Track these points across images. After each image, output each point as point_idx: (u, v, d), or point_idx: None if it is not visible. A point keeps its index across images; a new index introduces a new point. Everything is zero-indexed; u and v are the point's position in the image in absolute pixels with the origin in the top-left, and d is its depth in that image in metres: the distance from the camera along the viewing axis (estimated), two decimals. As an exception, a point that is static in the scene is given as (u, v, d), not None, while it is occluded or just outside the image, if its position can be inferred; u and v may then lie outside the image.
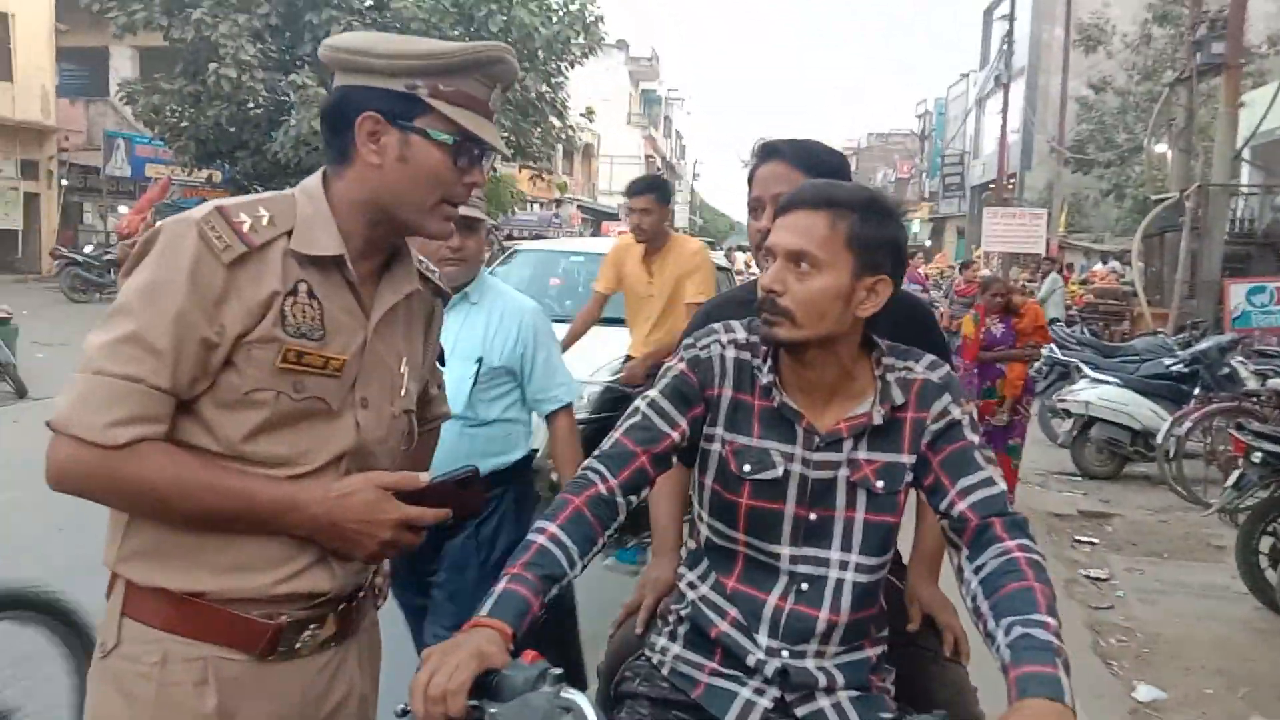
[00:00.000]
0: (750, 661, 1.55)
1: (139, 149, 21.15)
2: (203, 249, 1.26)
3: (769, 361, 1.57)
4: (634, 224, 4.51)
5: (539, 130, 16.88)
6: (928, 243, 36.87)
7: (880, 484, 1.53)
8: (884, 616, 1.65)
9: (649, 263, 4.56)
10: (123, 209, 19.60)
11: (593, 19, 16.62)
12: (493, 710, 1.15)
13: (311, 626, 1.39)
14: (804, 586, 1.55)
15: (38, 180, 20.82)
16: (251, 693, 1.34)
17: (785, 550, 1.55)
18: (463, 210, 1.52)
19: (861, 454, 1.54)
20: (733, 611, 1.58)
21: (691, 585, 1.64)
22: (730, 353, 1.59)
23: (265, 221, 1.30)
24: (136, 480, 1.25)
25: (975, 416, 1.58)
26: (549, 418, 2.67)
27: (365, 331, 1.39)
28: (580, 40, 16.96)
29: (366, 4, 15.15)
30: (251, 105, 14.68)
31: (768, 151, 1.92)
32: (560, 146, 22.52)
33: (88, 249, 18.60)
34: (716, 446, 1.58)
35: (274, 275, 1.29)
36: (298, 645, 1.37)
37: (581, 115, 18.63)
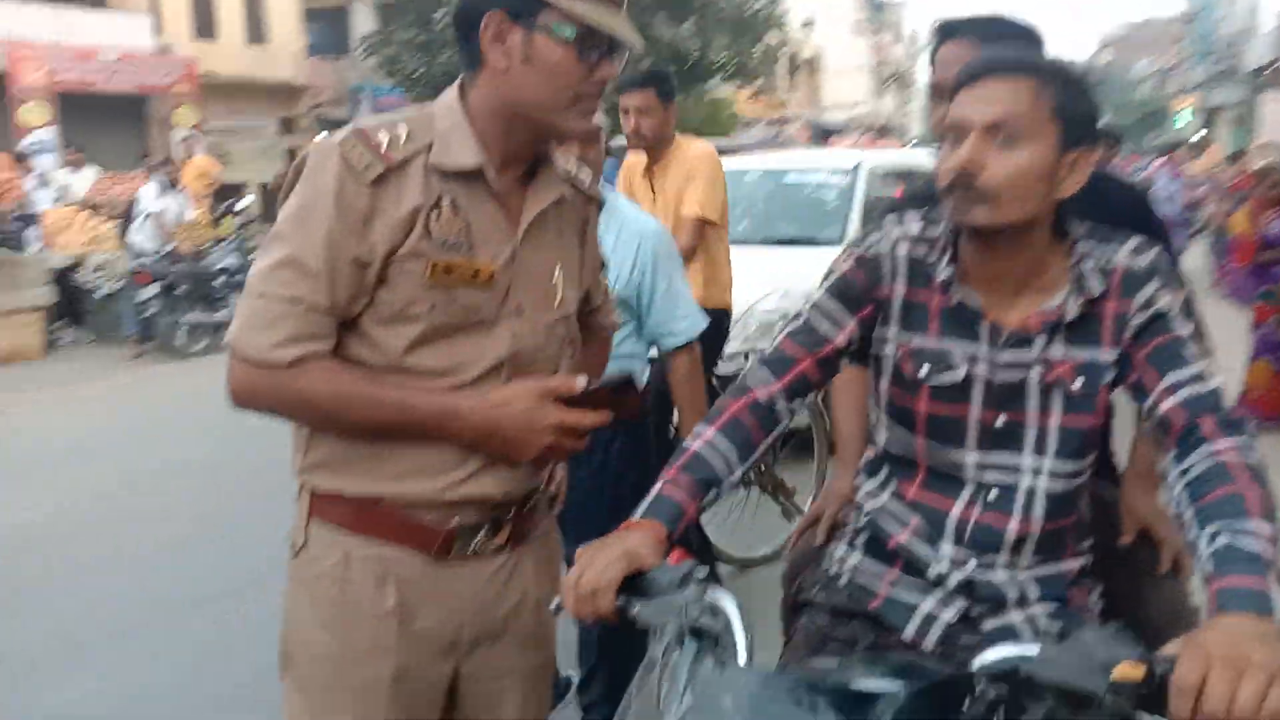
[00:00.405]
0: (932, 573, 1.46)
1: (380, 100, 22.43)
2: (345, 170, 1.29)
3: (948, 253, 1.44)
4: (630, 127, 3.72)
5: (756, 47, 16.48)
6: (1196, 136, 33.36)
7: (1078, 384, 1.39)
8: (1085, 527, 1.51)
9: (651, 175, 3.84)
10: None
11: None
12: (637, 607, 1.16)
13: (484, 531, 1.44)
14: (992, 495, 1.44)
15: (294, 135, 22.59)
16: (428, 593, 1.41)
17: (971, 457, 1.45)
18: None
19: (1056, 352, 1.40)
20: (914, 521, 1.49)
21: (870, 494, 1.57)
22: (903, 248, 1.48)
23: (403, 138, 1.32)
24: (303, 396, 1.32)
25: (1189, 303, 1.39)
26: (669, 356, 2.53)
27: (514, 241, 1.40)
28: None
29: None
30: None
31: (947, 30, 1.76)
32: (781, 63, 21.94)
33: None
34: (890, 349, 1.48)
35: (415, 191, 1.32)
36: (471, 549, 1.43)
37: (803, 26, 18.00)
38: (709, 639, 1.10)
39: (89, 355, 8.67)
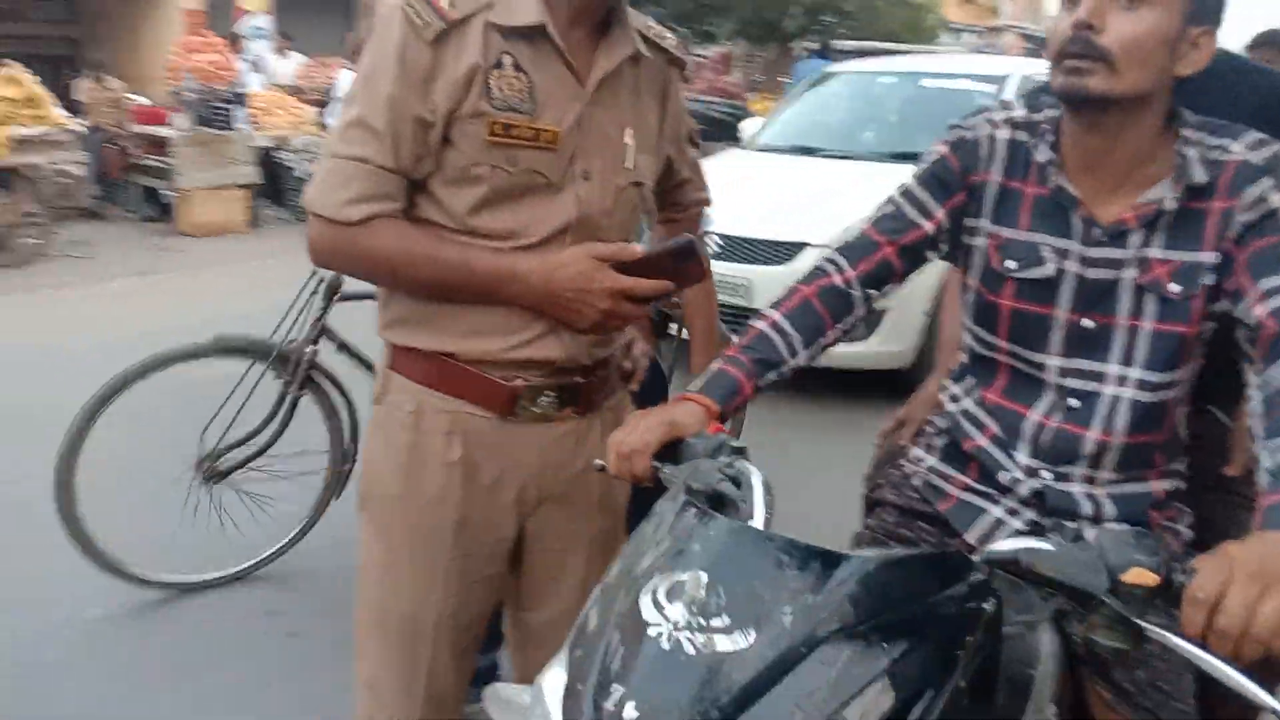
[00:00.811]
0: (1005, 479, 1.41)
1: None
2: (407, 30, 1.30)
3: (1048, 138, 1.35)
4: None
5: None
6: None
7: (1174, 287, 1.28)
8: (1179, 447, 1.41)
9: None
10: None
11: None
12: (667, 470, 1.18)
13: (548, 393, 1.47)
14: (1073, 403, 1.36)
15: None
16: (492, 448, 1.47)
17: (1053, 361, 1.37)
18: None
19: (1154, 250, 1.29)
20: (992, 426, 1.44)
21: (954, 398, 1.52)
22: (1003, 133, 1.39)
23: None
24: (371, 252, 1.36)
25: None
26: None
27: (582, 101, 1.38)
28: None
29: None
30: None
31: None
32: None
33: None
34: (980, 240, 1.41)
35: (474, 49, 1.32)
36: (535, 409, 1.46)
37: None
38: (729, 504, 1.10)
39: (289, 231, 9.24)
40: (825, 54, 14.35)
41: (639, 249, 1.39)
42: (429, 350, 1.44)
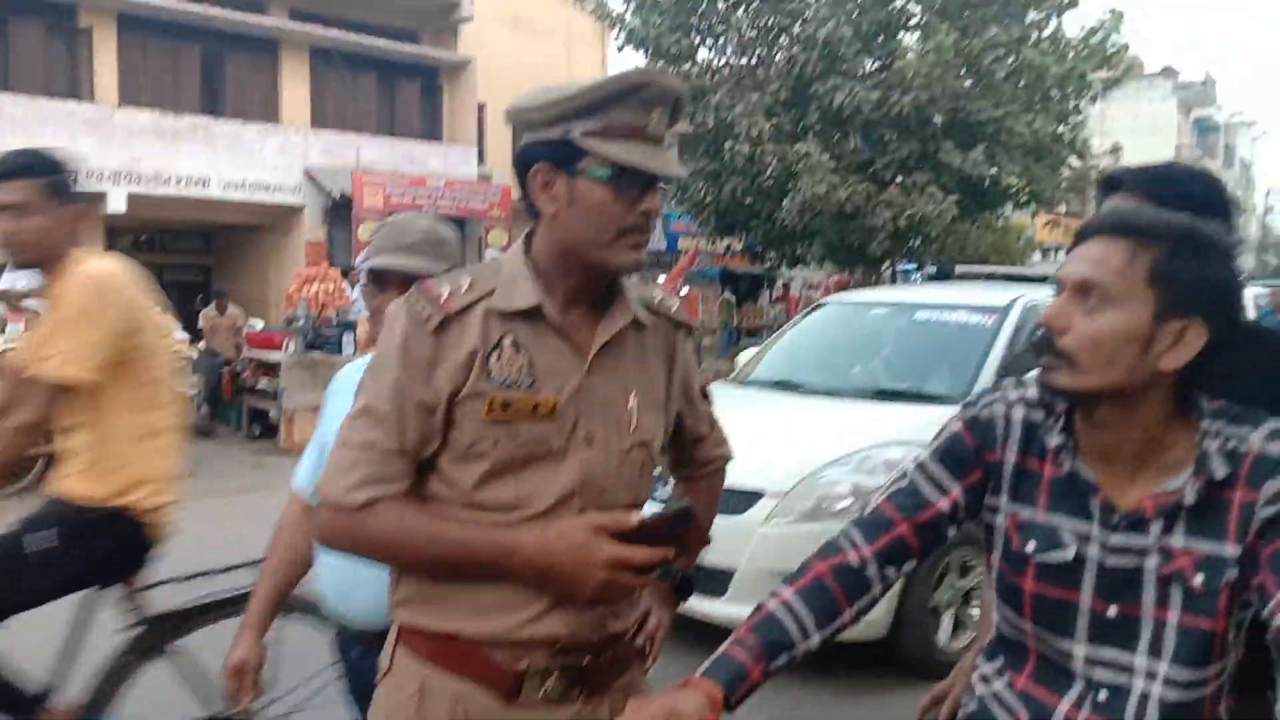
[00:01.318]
0: None
1: (673, 225, 23.58)
2: (410, 323, 1.40)
3: (1062, 420, 1.34)
4: None
5: (1054, 173, 15.83)
6: None
7: (1198, 579, 1.23)
8: (1222, 743, 1.30)
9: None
10: (660, 279, 21.97)
11: (1114, 50, 15.26)
12: None
13: (555, 676, 1.44)
14: (1101, 696, 1.29)
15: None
16: None
17: (1080, 649, 1.31)
18: None
19: (1176, 540, 1.25)
20: (1022, 714, 1.36)
21: (984, 679, 1.45)
22: (1018, 412, 1.38)
23: (464, 288, 1.42)
24: (373, 536, 1.40)
25: None
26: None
27: (580, 372, 1.44)
28: (1101, 74, 15.67)
29: (870, 67, 15.46)
30: (763, 177, 15.60)
31: (1110, 184, 1.66)
32: (1089, 188, 20.87)
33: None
34: (1000, 519, 1.38)
35: (474, 334, 1.40)
36: (540, 694, 1.43)
37: (1107, 153, 17.13)
38: None
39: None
40: (943, 275, 14.58)
41: (635, 518, 1.39)
42: (434, 630, 1.44)
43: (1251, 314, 15.35)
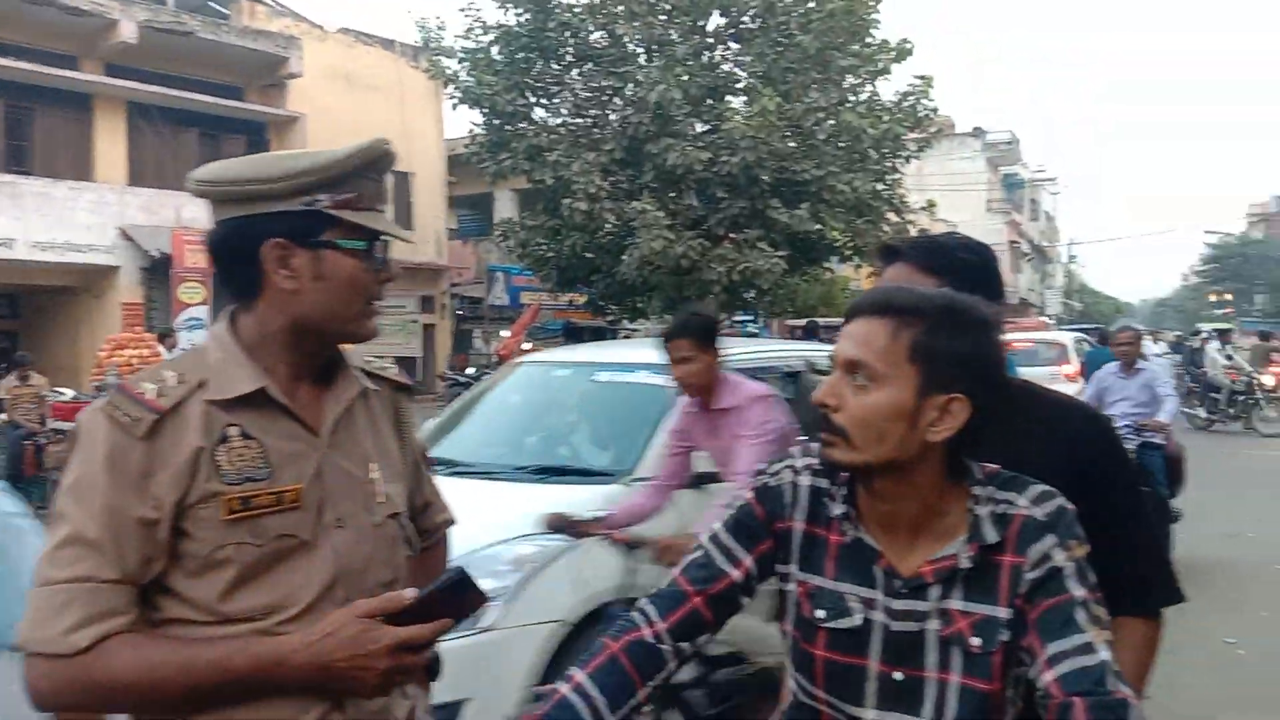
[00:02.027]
0: None
1: (514, 279, 23.61)
2: (114, 431, 1.25)
3: (844, 490, 1.38)
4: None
5: (874, 229, 16.66)
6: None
7: (976, 641, 1.28)
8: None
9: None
10: (504, 333, 21.88)
11: (925, 113, 16.29)
12: None
13: None
14: None
15: (434, 313, 23.89)
16: None
17: (870, 715, 1.34)
18: None
19: (955, 603, 1.29)
20: None
21: (779, 749, 1.46)
22: (805, 480, 1.41)
23: (173, 382, 1.30)
24: (110, 680, 1.21)
25: (1084, 563, 1.28)
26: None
27: (318, 451, 1.35)
28: (914, 135, 16.67)
29: (701, 129, 15.97)
30: (601, 233, 15.83)
31: (888, 254, 1.74)
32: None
33: (469, 371, 20.91)
34: (792, 587, 1.41)
35: (195, 431, 1.28)
36: None
37: (922, 209, 18.14)
38: None
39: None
40: (812, 334, 15.10)
41: (409, 595, 1.31)
42: None
43: (1075, 358, 16.43)
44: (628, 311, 18.02)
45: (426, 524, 1.66)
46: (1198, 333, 22.81)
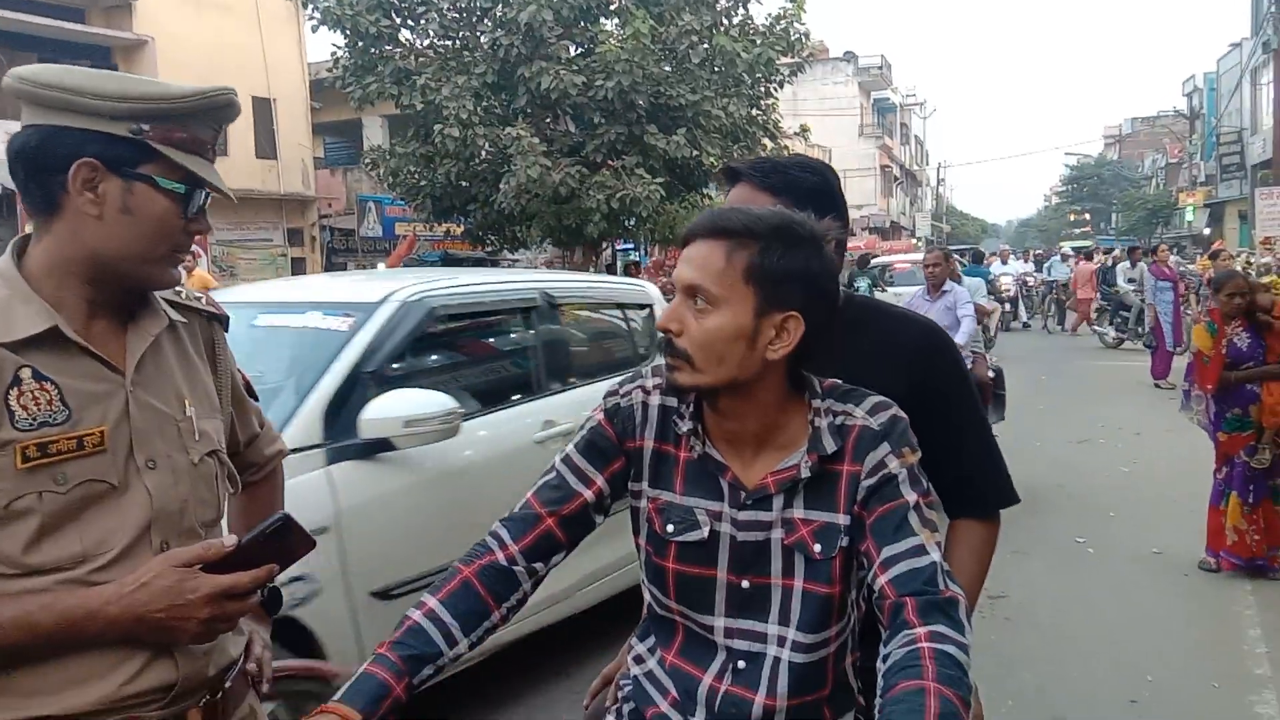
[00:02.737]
0: None
1: (388, 209, 22.93)
2: None
3: (691, 408, 1.40)
4: None
5: (751, 154, 16.76)
6: (1206, 231, 33.45)
7: (817, 547, 1.33)
8: (848, 696, 1.42)
9: None
10: (380, 266, 21.34)
11: (797, 37, 16.34)
12: None
13: None
14: (740, 664, 1.36)
15: (303, 246, 23.06)
16: None
17: (720, 622, 1.37)
18: None
19: (797, 512, 1.34)
20: (672, 690, 1.42)
21: (639, 659, 1.49)
22: (655, 399, 1.43)
23: None
24: None
25: (917, 469, 1.33)
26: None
27: (123, 389, 1.29)
28: (787, 59, 16.74)
29: (575, 52, 15.68)
30: (476, 160, 15.48)
31: (731, 175, 1.74)
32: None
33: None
34: (643, 504, 1.43)
35: None
36: None
37: (796, 134, 18.33)
38: None
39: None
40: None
41: (228, 543, 1.28)
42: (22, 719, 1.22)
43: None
44: (507, 241, 17.78)
45: (255, 457, 1.62)
46: (1102, 251, 23.49)
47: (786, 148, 17.54)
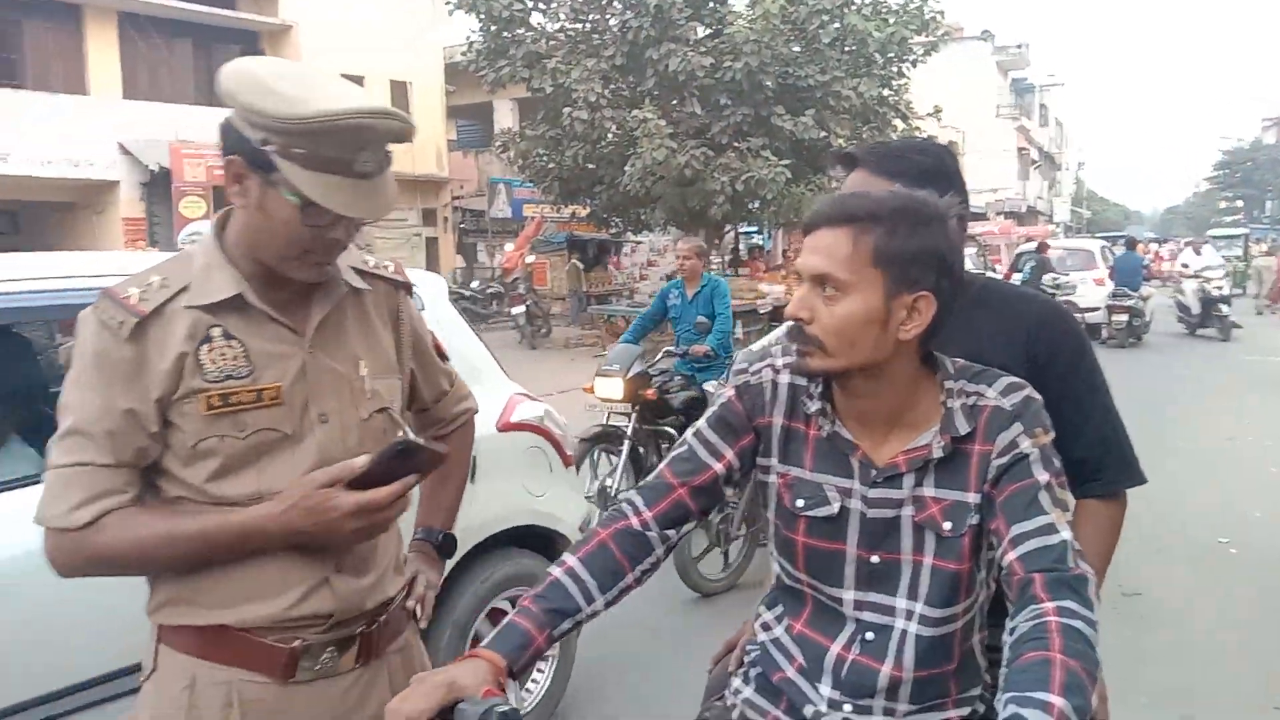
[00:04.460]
0: (808, 712, 1.42)
1: (516, 191, 23.40)
2: (102, 333, 1.34)
3: (819, 386, 1.42)
4: None
5: (881, 135, 16.43)
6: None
7: (947, 525, 1.35)
8: (974, 672, 1.43)
9: None
10: (507, 247, 21.81)
11: (932, 15, 15.93)
12: None
13: (330, 649, 1.46)
14: (869, 636, 1.39)
15: (436, 226, 23.75)
16: (274, 714, 1.43)
17: (849, 595, 1.41)
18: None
19: (928, 490, 1.36)
20: (799, 657, 1.46)
21: (765, 627, 1.53)
22: (784, 377, 1.46)
23: (156, 286, 1.37)
24: (107, 550, 1.34)
25: (1050, 449, 1.33)
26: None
27: (302, 350, 1.42)
28: (921, 38, 16.33)
29: (703, 33, 15.65)
30: (603, 143, 15.65)
31: (846, 161, 1.75)
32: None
33: (474, 285, 20.92)
34: (773, 478, 1.47)
35: (179, 332, 1.36)
36: (317, 667, 1.45)
37: (929, 114, 17.88)
38: None
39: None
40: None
41: (359, 464, 1.38)
42: (200, 626, 1.42)
43: (1102, 263, 16.24)
44: (631, 223, 17.92)
45: (443, 413, 1.76)
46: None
47: (919, 128, 17.13)
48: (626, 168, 14.98)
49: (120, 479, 1.35)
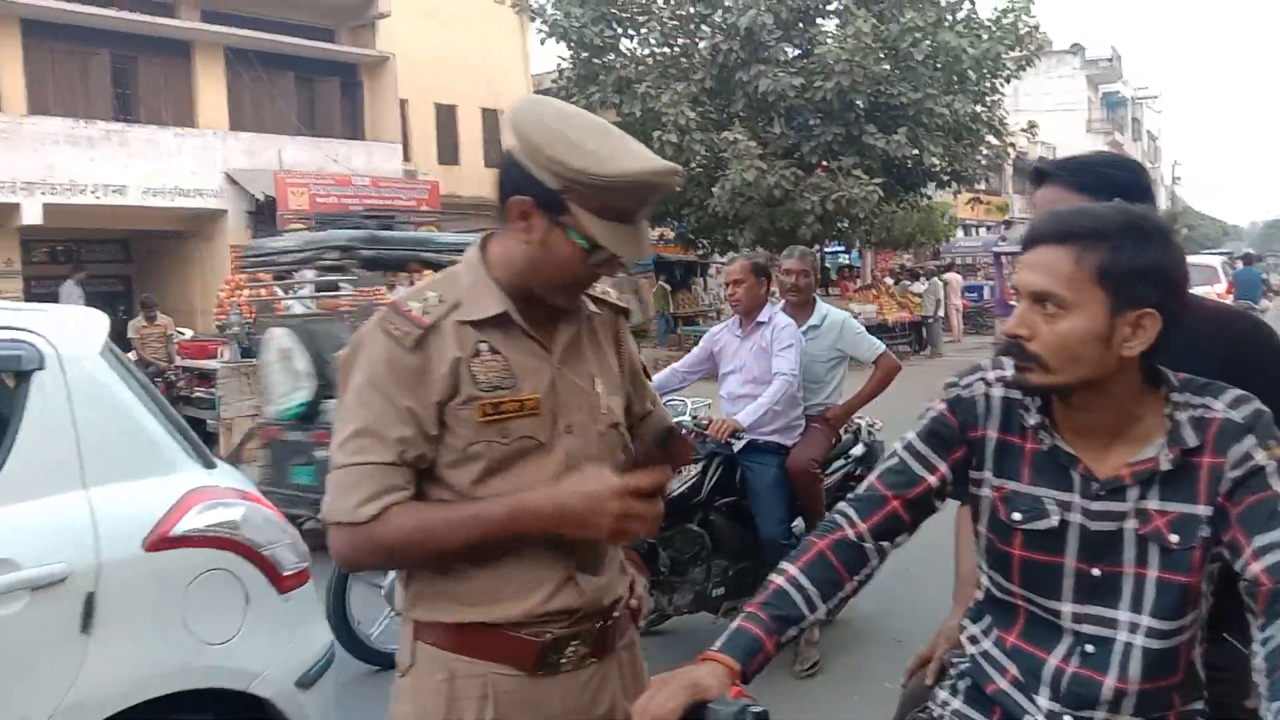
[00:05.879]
0: None
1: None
2: (389, 342, 1.45)
3: (1038, 400, 1.43)
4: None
5: (974, 152, 16.24)
6: None
7: (1174, 538, 1.34)
8: (1198, 685, 1.42)
9: None
10: (594, 269, 21.97)
11: (1026, 30, 15.71)
12: None
13: (573, 643, 1.54)
14: (1089, 648, 1.39)
15: (526, 250, 23.99)
16: (524, 705, 1.52)
17: (1067, 608, 1.41)
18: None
19: (1152, 503, 1.35)
20: (1012, 669, 1.46)
21: (973, 639, 1.54)
22: (997, 391, 1.47)
23: (435, 302, 1.48)
24: (393, 539, 1.44)
25: None
26: None
27: (552, 368, 1.53)
28: (1014, 54, 16.11)
29: (792, 54, 15.67)
30: (692, 165, 15.74)
31: (1037, 176, 1.76)
32: (1006, 166, 21.46)
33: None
34: (986, 491, 1.47)
35: (453, 345, 1.47)
36: (562, 660, 1.53)
37: (1023, 130, 17.61)
38: None
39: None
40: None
41: (650, 479, 1.46)
42: (457, 622, 1.51)
43: (1224, 278, 16.25)
44: (718, 245, 17.96)
45: (644, 433, 1.82)
46: None
47: (1012, 144, 16.90)
48: (715, 189, 15.05)
49: (402, 477, 1.45)
